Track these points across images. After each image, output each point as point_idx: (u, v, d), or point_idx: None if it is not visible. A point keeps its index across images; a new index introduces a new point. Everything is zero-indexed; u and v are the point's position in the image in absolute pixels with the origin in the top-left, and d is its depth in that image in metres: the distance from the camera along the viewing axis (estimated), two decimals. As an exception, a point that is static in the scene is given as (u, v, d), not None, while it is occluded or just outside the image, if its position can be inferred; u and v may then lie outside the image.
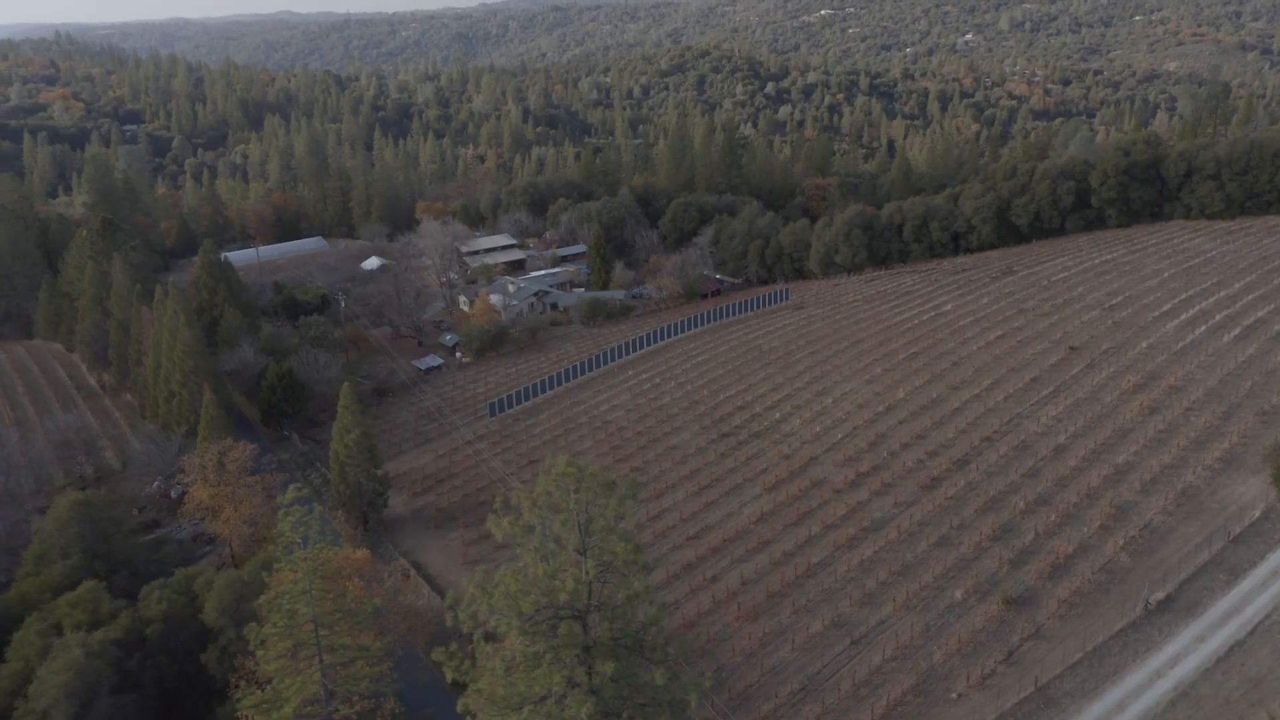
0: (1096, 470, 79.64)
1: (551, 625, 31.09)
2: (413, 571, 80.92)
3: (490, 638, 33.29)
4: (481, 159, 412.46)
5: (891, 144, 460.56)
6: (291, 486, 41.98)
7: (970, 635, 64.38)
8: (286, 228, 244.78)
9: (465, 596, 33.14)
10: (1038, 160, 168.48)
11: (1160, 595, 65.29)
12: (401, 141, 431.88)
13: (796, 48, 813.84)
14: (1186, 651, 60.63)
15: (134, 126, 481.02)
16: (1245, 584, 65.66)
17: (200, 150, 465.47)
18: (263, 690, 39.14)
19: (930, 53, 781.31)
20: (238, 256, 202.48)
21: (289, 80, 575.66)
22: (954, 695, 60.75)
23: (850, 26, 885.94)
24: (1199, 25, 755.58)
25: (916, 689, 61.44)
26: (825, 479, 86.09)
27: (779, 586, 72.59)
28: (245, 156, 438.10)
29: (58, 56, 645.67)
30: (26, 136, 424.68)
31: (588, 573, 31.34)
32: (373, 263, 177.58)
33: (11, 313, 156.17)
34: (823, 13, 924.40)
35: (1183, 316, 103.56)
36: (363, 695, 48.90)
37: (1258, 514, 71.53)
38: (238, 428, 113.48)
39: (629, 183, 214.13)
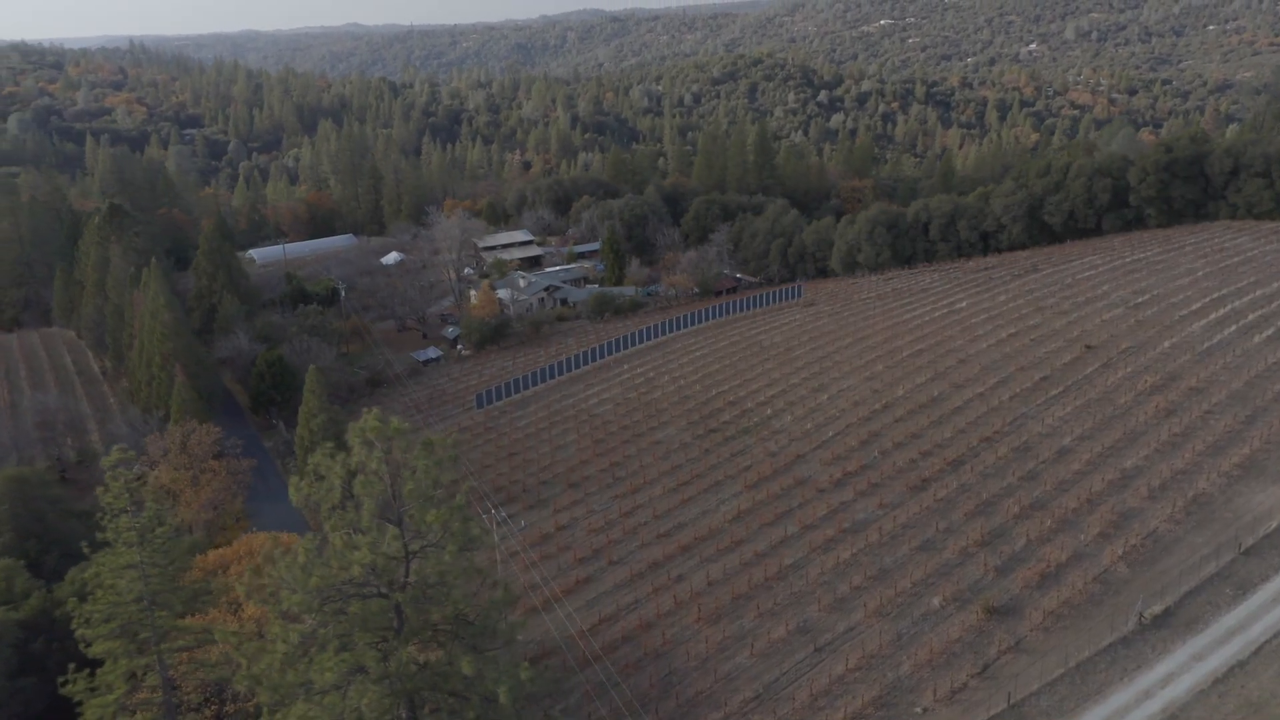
0: (1100, 474, 73.77)
1: (344, 604, 27.16)
2: (370, 562, 77.69)
3: (290, 616, 29.54)
4: (528, 165, 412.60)
5: (945, 152, 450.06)
6: (116, 448, 38.73)
7: (944, 645, 59.32)
8: (320, 225, 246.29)
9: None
10: (1081, 159, 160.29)
11: (1157, 609, 59.48)
12: (449, 146, 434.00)
13: (854, 58, 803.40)
14: (1181, 670, 54.90)
15: (193, 130, 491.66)
16: (1254, 600, 59.57)
17: (255, 153, 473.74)
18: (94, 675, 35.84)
19: (992, 62, 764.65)
20: (266, 253, 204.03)
21: (344, 86, 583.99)
22: (918, 709, 55.85)
23: (910, 36, 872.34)
24: (1276, 35, 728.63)
25: (879, 701, 56.61)
26: (809, 478, 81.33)
27: (746, 588, 68.20)
28: (297, 160, 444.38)
29: (127, 64, 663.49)
30: (89, 139, 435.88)
31: (389, 544, 27.37)
32: (392, 257, 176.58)
33: (31, 301, 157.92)
34: (882, 23, 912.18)
35: (1212, 316, 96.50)
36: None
37: (1274, 525, 65.22)
38: (228, 414, 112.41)
39: (657, 182, 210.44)
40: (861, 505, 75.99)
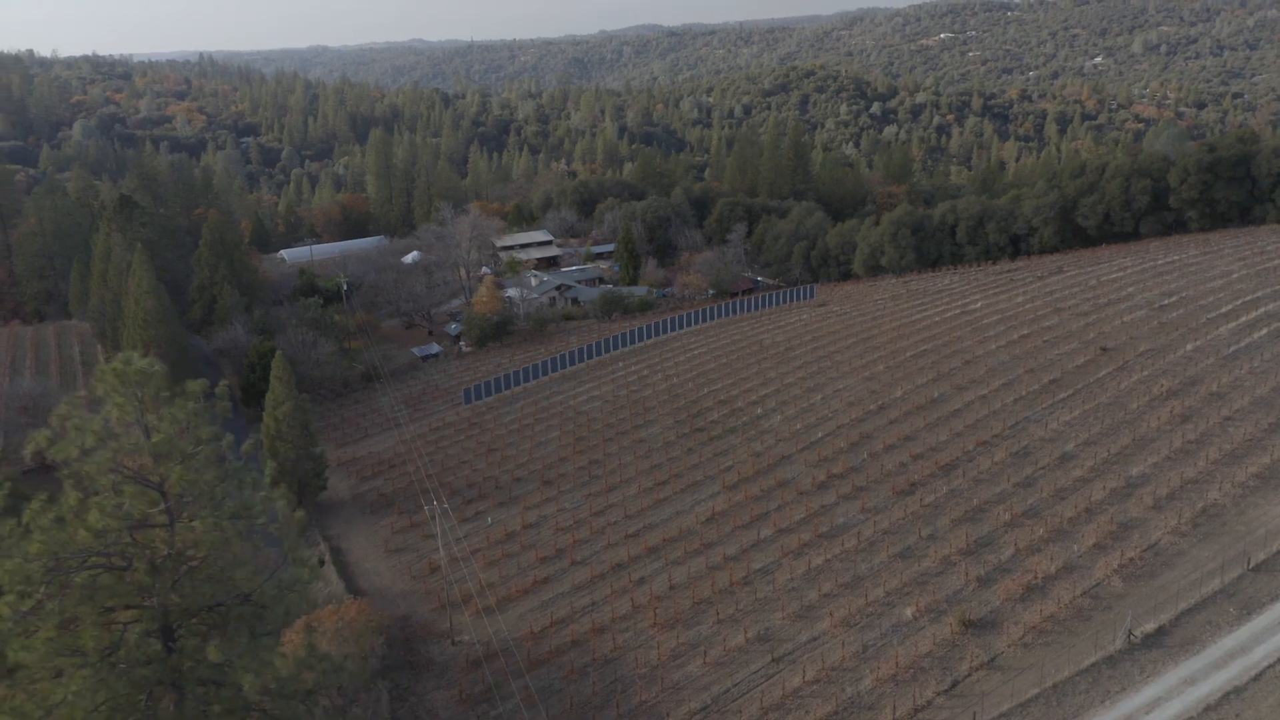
0: (1103, 482, 68.17)
1: (72, 575, 23.54)
2: (326, 558, 74.95)
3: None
4: (573, 174, 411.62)
5: (1003, 165, 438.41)
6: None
7: (912, 660, 54.51)
8: (354, 227, 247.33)
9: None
10: (1118, 159, 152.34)
11: (1150, 627, 54.01)
12: (496, 155, 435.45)
13: (912, 71, 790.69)
14: (1169, 695, 49.57)
15: (249, 138, 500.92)
16: (1259, 620, 53.84)
17: (307, 161, 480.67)
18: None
19: (1055, 76, 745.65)
20: (295, 253, 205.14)
21: (397, 97, 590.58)
22: (875, 729, 51.01)
23: (971, 50, 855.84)
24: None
25: (833, 717, 52.06)
26: (792, 479, 76.74)
27: (709, 593, 63.96)
28: (346, 167, 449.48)
29: (193, 75, 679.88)
30: (148, 145, 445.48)
31: (134, 507, 23.73)
32: (412, 257, 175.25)
33: (53, 294, 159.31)
34: (942, 36, 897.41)
35: (1242, 319, 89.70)
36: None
37: (1289, 540, 59.14)
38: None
39: (686, 185, 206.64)
40: (843, 509, 71.31)
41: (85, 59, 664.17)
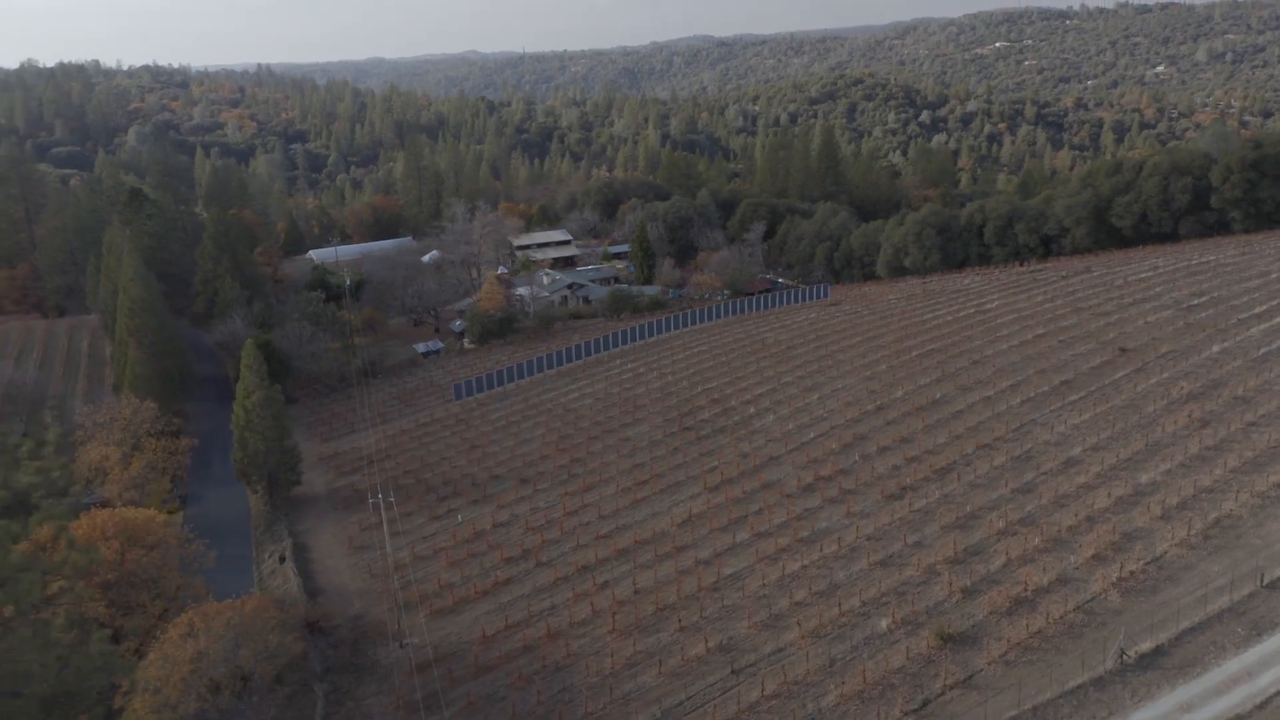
0: (1108, 489, 62.90)
1: None
2: (288, 554, 72.21)
3: None
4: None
5: (1054, 173, 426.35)
6: None
7: (881, 675, 50.18)
8: (384, 228, 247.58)
9: None
10: (1156, 156, 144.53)
11: (1146, 646, 49.06)
12: (538, 162, 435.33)
13: (965, 80, 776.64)
14: (1162, 722, 44.49)
15: (297, 145, 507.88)
16: (1269, 643, 48.71)
17: (353, 167, 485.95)
18: None
19: (1114, 85, 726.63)
20: (322, 253, 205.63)
21: (444, 105, 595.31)
22: (833, 749, 46.78)
23: (1026, 59, 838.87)
24: None
25: (789, 735, 47.71)
26: (778, 481, 72.44)
27: (674, 598, 60.06)
28: (390, 173, 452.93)
29: (249, 84, 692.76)
30: (199, 150, 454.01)
31: None
32: (431, 256, 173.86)
33: (74, 288, 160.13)
34: (997, 45, 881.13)
35: (1276, 320, 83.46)
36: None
37: (1309, 555, 53.56)
38: (220, 398, 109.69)
39: (714, 187, 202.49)
40: (827, 513, 66.85)
41: (146, 69, 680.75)
